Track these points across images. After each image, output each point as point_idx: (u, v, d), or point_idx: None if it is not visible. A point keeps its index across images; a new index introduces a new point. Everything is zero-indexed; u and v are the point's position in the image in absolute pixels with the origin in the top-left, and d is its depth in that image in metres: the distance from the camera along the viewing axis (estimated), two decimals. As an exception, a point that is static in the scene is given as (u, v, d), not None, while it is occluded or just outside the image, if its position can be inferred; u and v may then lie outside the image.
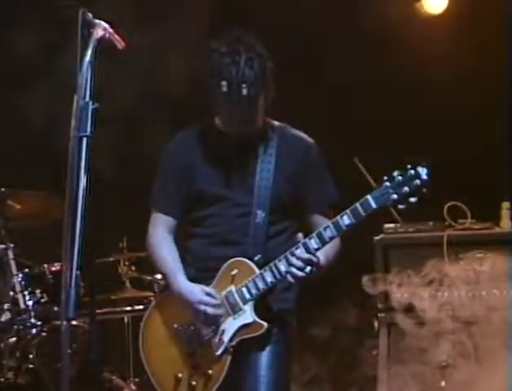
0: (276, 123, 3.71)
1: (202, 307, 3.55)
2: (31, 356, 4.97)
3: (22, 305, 5.03)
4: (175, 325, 3.66)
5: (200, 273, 3.65)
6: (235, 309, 3.55)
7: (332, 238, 3.45)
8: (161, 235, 3.72)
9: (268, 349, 3.59)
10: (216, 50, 3.51)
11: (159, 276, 5.53)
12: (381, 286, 4.88)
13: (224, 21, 5.38)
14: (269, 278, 3.50)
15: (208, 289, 3.58)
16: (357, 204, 3.39)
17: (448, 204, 5.10)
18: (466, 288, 5.01)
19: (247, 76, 3.43)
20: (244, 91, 3.44)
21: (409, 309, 4.92)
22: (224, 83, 3.44)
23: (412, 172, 3.32)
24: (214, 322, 3.57)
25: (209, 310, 3.55)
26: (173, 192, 3.71)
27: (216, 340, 3.56)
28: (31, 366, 4.95)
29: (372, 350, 5.18)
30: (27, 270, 5.18)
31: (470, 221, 5.13)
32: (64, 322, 2.68)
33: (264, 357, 3.58)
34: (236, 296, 3.55)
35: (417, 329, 4.88)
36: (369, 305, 5.19)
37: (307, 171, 3.66)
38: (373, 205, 3.36)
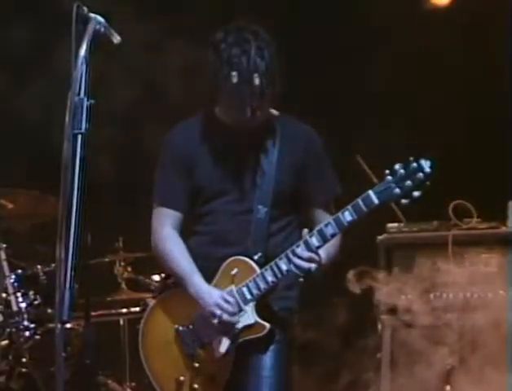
0: (279, 114, 3.70)
1: (219, 312, 3.53)
2: (24, 359, 4.97)
3: (15, 307, 5.03)
4: (176, 326, 3.66)
5: (200, 272, 3.62)
6: (236, 310, 3.55)
7: (333, 235, 3.43)
8: (169, 232, 3.67)
9: (271, 349, 3.58)
10: (222, 40, 3.49)
11: (156, 277, 5.54)
12: (366, 282, 4.85)
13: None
14: (270, 278, 3.50)
15: (227, 296, 3.55)
16: (359, 200, 3.37)
17: (453, 203, 5.09)
18: (471, 290, 5.01)
19: (259, 65, 3.43)
20: (257, 81, 3.43)
21: (393, 310, 4.92)
22: (234, 74, 3.43)
23: (415, 165, 3.29)
24: (225, 328, 3.55)
25: (225, 317, 3.52)
26: (176, 184, 3.67)
27: (217, 341, 3.56)
28: (24, 370, 4.95)
29: (361, 351, 5.17)
30: (20, 271, 5.18)
31: (475, 220, 5.13)
32: (59, 325, 2.68)
33: (267, 358, 3.58)
34: (237, 296, 3.55)
35: (418, 332, 4.88)
36: (360, 304, 5.17)
37: (310, 164, 3.65)
38: (375, 201, 3.34)
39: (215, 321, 3.54)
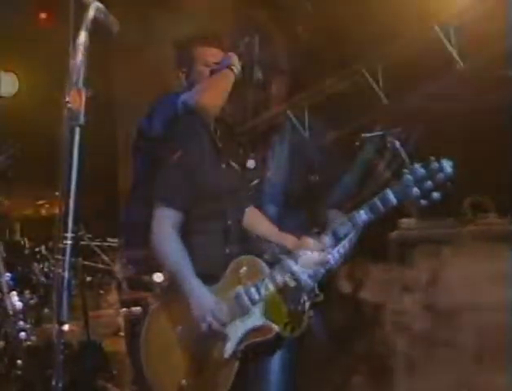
0: (289, 111, 3.70)
1: (209, 319, 3.53)
2: (20, 362, 4.97)
3: (10, 307, 5.03)
4: (179, 328, 3.65)
5: (204, 272, 3.64)
6: (243, 311, 3.53)
7: (347, 234, 3.42)
8: (168, 232, 3.70)
9: (279, 352, 3.58)
10: (226, 34, 3.51)
11: (159, 276, 5.52)
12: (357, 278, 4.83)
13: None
14: (279, 278, 3.48)
15: (221, 304, 3.55)
16: (375, 199, 3.35)
17: (469, 198, 5.07)
18: (488, 288, 4.99)
19: (262, 58, 3.43)
20: (259, 75, 3.43)
21: (382, 309, 4.91)
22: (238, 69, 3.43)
23: (436, 164, 3.28)
24: (215, 335, 3.54)
25: (215, 325, 3.53)
26: (178, 184, 3.69)
27: (223, 344, 3.54)
28: (20, 372, 4.95)
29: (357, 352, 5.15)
30: (16, 269, 5.18)
31: (492, 215, 5.10)
32: (56, 326, 2.67)
33: (275, 361, 3.58)
34: (245, 296, 3.54)
35: (422, 334, 4.86)
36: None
37: (322, 162, 3.65)
38: (393, 200, 3.32)
39: (204, 326, 3.52)
